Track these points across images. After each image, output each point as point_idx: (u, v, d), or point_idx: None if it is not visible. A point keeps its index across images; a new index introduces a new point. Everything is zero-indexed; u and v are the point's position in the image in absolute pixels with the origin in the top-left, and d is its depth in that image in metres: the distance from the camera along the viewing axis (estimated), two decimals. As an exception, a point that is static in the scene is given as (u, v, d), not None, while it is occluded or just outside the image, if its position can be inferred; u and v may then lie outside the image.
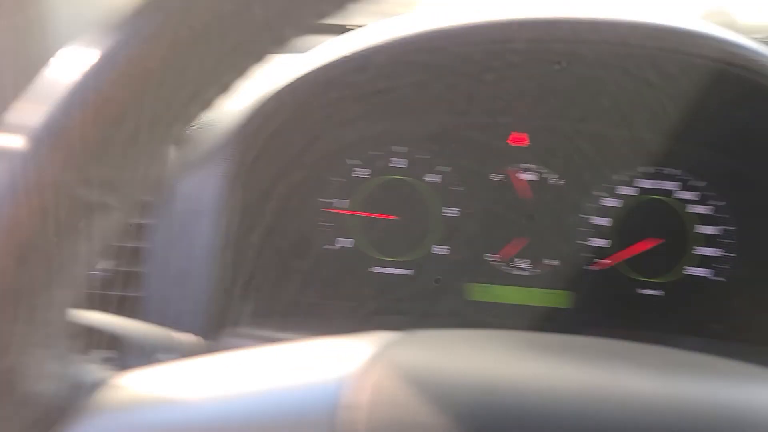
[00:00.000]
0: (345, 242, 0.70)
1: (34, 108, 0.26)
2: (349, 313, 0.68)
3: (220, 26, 0.26)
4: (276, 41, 0.27)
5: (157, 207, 0.58)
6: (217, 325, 0.57)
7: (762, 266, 0.67)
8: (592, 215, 0.69)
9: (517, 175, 0.70)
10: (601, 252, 0.69)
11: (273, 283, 0.67)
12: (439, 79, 0.61)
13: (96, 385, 0.27)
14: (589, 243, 0.69)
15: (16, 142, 0.25)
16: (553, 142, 0.69)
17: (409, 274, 0.70)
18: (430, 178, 0.70)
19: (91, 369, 0.29)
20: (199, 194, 0.58)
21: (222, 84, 0.27)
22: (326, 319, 0.67)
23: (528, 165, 0.70)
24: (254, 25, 0.26)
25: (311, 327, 0.63)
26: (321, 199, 0.70)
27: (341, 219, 0.70)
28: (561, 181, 0.70)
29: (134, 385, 0.28)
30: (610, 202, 0.70)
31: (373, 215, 0.70)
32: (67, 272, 0.26)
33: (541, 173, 0.70)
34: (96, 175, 0.26)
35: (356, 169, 0.70)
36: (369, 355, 0.25)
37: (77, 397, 0.27)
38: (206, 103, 0.27)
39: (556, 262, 0.70)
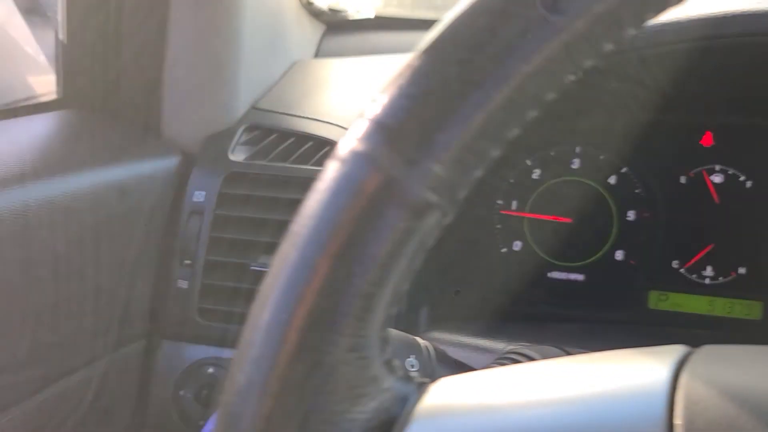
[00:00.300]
0: (520, 245, 0.68)
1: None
2: (525, 318, 0.66)
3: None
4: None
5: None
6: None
7: None
8: (785, 221, 0.65)
9: (707, 177, 0.66)
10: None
11: (449, 287, 0.66)
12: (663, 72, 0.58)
13: (415, 394, 0.26)
14: (781, 251, 0.65)
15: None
16: (742, 141, 0.66)
17: (585, 279, 0.68)
18: (611, 179, 0.67)
19: (406, 377, 0.28)
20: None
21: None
22: (503, 324, 0.65)
23: (716, 166, 0.66)
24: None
25: (492, 332, 0.62)
26: (498, 201, 0.68)
27: (517, 221, 0.68)
28: (750, 183, 0.66)
29: (454, 391, 0.26)
30: (806, 207, 0.65)
31: (551, 218, 0.68)
32: (395, 277, 0.25)
33: (728, 175, 0.66)
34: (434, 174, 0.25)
35: (535, 170, 0.68)
36: (677, 370, 0.23)
37: (403, 406, 0.26)
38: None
39: (744, 270, 0.66)
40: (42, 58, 0.76)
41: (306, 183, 0.64)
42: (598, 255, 0.67)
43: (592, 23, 0.23)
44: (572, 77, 0.26)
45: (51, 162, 0.58)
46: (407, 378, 0.27)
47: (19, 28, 0.75)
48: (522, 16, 0.24)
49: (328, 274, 0.24)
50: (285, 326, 0.24)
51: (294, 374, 0.24)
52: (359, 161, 0.24)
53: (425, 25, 0.97)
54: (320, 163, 0.66)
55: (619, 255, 0.67)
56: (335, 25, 0.94)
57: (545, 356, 0.45)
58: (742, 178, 0.66)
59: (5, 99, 0.69)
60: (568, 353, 0.51)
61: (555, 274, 0.68)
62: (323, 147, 0.67)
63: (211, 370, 0.61)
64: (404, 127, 0.24)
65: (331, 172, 0.24)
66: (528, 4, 0.23)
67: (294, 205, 0.64)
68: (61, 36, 0.65)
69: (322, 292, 0.24)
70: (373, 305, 0.25)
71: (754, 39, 0.54)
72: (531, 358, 0.43)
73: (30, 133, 0.62)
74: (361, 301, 0.24)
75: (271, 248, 0.62)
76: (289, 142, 0.68)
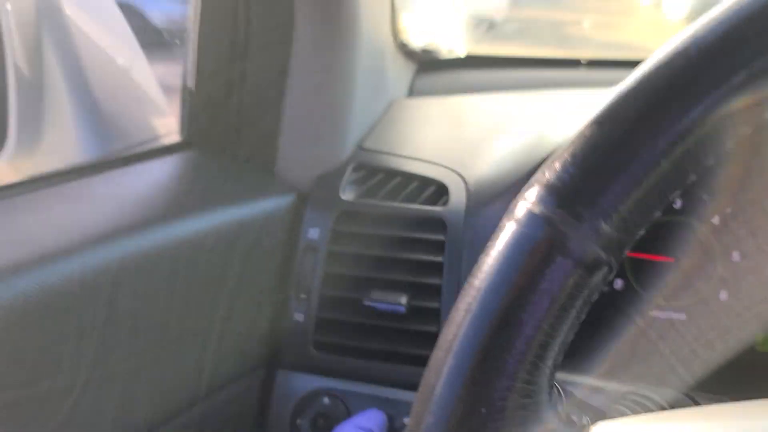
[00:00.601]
0: (621, 284, 0.69)
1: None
2: (627, 358, 0.67)
3: None
4: None
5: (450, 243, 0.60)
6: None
7: None
8: None
9: (811, 220, 0.66)
10: None
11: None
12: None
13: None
14: None
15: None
16: None
17: (688, 319, 0.68)
18: (713, 219, 0.68)
19: (569, 420, 0.30)
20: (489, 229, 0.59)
21: None
22: (604, 362, 0.66)
23: (824, 209, 0.66)
24: None
25: (594, 369, 0.63)
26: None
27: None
28: None
29: None
30: None
31: (650, 257, 0.69)
32: (565, 328, 0.28)
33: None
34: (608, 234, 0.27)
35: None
36: None
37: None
38: None
39: None
40: (161, 100, 0.82)
41: (414, 221, 0.67)
42: (700, 295, 0.68)
43: None
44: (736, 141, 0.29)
45: (178, 203, 0.62)
46: (570, 422, 0.29)
47: (143, 71, 0.81)
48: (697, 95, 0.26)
49: (506, 325, 0.27)
50: (466, 371, 0.27)
51: (473, 417, 0.27)
52: (535, 221, 0.27)
53: (514, 63, 1.00)
54: (427, 201, 0.68)
55: (723, 296, 0.68)
56: (427, 64, 0.97)
57: (670, 402, 0.46)
58: None
59: (134, 141, 0.74)
60: (693, 399, 0.52)
61: (657, 314, 0.69)
62: (428, 186, 0.70)
63: (326, 399, 0.64)
64: (576, 190, 0.27)
65: (508, 231, 0.27)
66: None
67: (404, 242, 0.67)
68: (189, 83, 0.70)
69: (502, 341, 0.27)
70: (545, 354, 0.27)
71: None
72: (659, 404, 0.44)
73: (156, 176, 0.67)
74: (534, 350, 0.27)
75: (382, 284, 0.66)
76: (395, 181, 0.71)
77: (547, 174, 0.27)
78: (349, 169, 0.73)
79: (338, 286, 0.67)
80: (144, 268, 0.54)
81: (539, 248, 0.26)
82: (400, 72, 0.93)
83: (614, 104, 0.27)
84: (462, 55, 0.97)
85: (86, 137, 0.75)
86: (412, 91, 0.94)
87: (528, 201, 0.27)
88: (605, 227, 0.27)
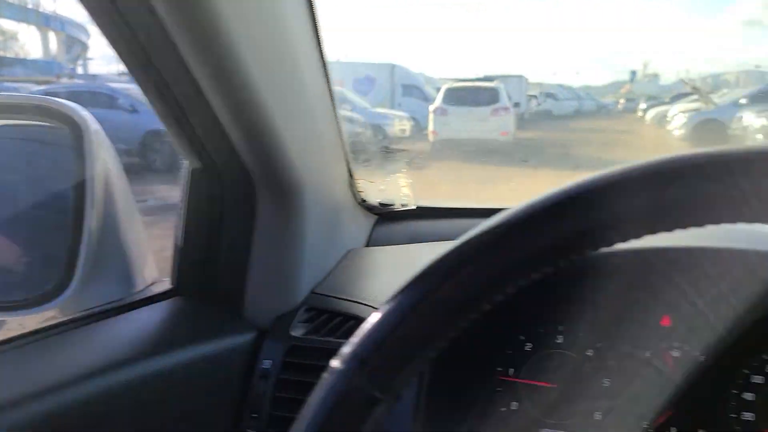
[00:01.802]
0: (516, 405, 0.85)
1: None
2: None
3: None
4: None
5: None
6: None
7: None
8: (739, 391, 0.79)
9: (666, 352, 0.82)
10: (749, 425, 0.78)
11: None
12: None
13: None
14: (738, 417, 0.79)
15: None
16: (696, 323, 0.81)
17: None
18: (587, 352, 0.84)
19: None
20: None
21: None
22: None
23: (674, 344, 0.82)
24: None
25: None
26: (498, 368, 0.86)
27: (512, 385, 0.85)
28: (703, 358, 0.80)
29: None
30: (758, 379, 0.79)
31: (538, 383, 0.84)
32: None
33: (684, 351, 0.81)
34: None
35: (527, 343, 0.86)
36: None
37: None
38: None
39: (704, 432, 0.79)
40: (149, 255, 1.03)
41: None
42: (580, 415, 0.83)
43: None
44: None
45: (161, 342, 0.82)
46: None
47: (139, 231, 1.03)
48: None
49: None
50: None
51: None
52: (338, 374, 0.45)
53: (462, 212, 1.19)
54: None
55: (597, 416, 0.82)
56: (386, 216, 1.18)
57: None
58: (695, 354, 0.81)
59: (134, 290, 0.95)
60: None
61: (545, 431, 0.84)
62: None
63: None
64: (366, 353, 0.44)
65: (325, 378, 0.45)
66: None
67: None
68: (179, 245, 0.92)
69: None
70: None
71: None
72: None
73: (147, 320, 0.87)
74: None
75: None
76: (336, 320, 0.90)
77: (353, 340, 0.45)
78: (302, 310, 0.92)
79: (286, 408, 0.84)
80: (127, 397, 0.73)
81: (338, 391, 0.44)
82: (360, 224, 1.14)
83: (404, 295, 0.45)
84: (413, 207, 1.18)
85: (113, 283, 0.95)
86: (371, 241, 1.14)
87: (341, 357, 0.45)
88: (383, 376, 0.44)
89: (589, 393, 0.83)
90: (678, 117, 10.50)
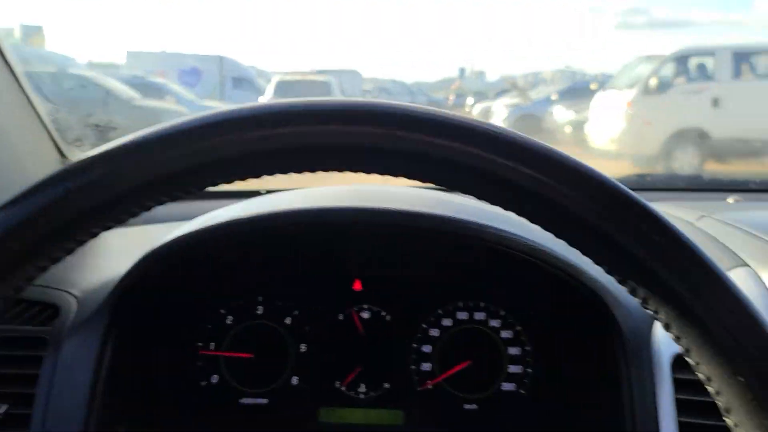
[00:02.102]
0: (216, 378, 0.85)
1: None
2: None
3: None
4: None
5: (46, 358, 0.74)
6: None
7: (552, 380, 0.82)
8: (419, 344, 0.85)
9: (356, 314, 0.86)
10: (427, 375, 0.84)
11: (156, 419, 0.82)
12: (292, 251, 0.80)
13: None
14: (417, 367, 0.85)
15: None
16: (384, 286, 0.86)
17: (269, 403, 0.85)
18: (287, 320, 0.86)
19: None
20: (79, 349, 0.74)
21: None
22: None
23: (365, 305, 0.86)
24: None
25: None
26: (199, 343, 0.86)
27: (214, 359, 0.86)
28: (390, 317, 0.86)
29: None
30: (434, 332, 0.86)
31: (239, 354, 0.86)
32: None
33: (374, 312, 0.86)
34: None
35: (228, 316, 0.87)
36: None
37: None
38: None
39: (389, 385, 0.84)
40: None
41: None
42: (278, 382, 0.85)
43: None
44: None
45: None
46: None
47: None
48: None
49: None
50: None
51: None
52: None
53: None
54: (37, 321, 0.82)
55: (294, 380, 0.85)
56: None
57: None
58: (383, 314, 0.86)
59: None
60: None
61: (246, 400, 0.85)
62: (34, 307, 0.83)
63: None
64: None
65: None
66: None
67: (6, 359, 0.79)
68: None
69: None
70: None
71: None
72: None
73: None
74: None
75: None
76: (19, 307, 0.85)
77: None
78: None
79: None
80: None
81: None
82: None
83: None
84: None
85: None
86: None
87: None
88: None
89: (287, 360, 0.85)
90: (500, 112, 11.23)
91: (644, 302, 0.36)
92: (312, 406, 0.84)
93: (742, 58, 7.81)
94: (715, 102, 7.70)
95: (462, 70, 17.30)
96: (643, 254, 0.35)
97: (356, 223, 0.78)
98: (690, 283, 0.34)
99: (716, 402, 0.35)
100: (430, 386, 0.84)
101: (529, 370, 0.84)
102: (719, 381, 0.35)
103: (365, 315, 0.86)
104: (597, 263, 0.37)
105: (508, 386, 0.84)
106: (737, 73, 7.80)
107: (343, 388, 0.85)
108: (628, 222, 0.35)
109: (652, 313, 0.36)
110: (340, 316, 0.87)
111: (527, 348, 0.84)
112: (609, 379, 0.73)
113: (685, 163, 6.95)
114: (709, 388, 0.35)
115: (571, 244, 0.37)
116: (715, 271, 0.35)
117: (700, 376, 0.35)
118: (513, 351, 0.85)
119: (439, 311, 0.86)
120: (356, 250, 0.86)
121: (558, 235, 0.37)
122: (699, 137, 7.45)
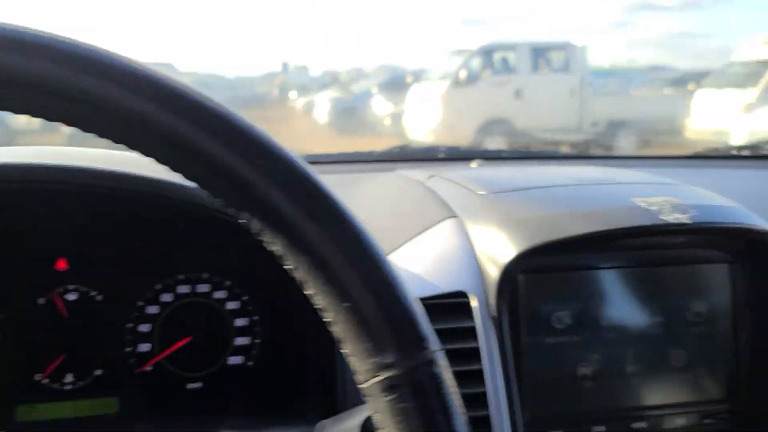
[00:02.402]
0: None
1: None
2: None
3: None
4: None
5: None
6: None
7: (282, 350, 0.79)
8: (135, 323, 0.78)
9: (59, 296, 0.77)
10: (146, 356, 0.77)
11: None
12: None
13: None
14: (133, 349, 0.77)
15: None
16: (92, 263, 0.78)
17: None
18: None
19: None
20: None
21: None
22: None
23: (70, 286, 0.77)
24: None
25: None
26: None
27: None
28: (101, 297, 0.78)
29: None
30: (153, 309, 0.79)
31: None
32: None
33: (82, 292, 0.77)
34: None
35: None
36: None
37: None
38: None
39: (101, 372, 0.76)
40: None
41: None
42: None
43: None
44: None
45: None
46: None
47: None
48: None
49: None
50: None
51: None
52: None
53: None
54: None
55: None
56: None
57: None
58: (93, 294, 0.78)
59: None
60: None
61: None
62: None
63: None
64: None
65: None
66: None
67: None
68: None
69: None
70: None
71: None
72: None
73: None
74: None
75: None
76: None
77: None
78: None
79: None
80: None
81: None
82: None
83: None
84: None
85: None
86: None
87: None
88: None
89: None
90: (323, 105, 11.29)
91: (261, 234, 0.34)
92: (8, 404, 0.74)
93: (539, 53, 8.52)
94: (518, 93, 8.33)
95: (285, 65, 17.11)
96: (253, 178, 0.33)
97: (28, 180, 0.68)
98: (305, 213, 0.33)
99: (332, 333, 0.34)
100: (148, 368, 0.78)
101: (257, 341, 0.80)
102: (332, 311, 0.33)
103: (72, 297, 0.77)
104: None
105: (234, 359, 0.80)
106: (536, 67, 8.50)
107: (45, 381, 0.75)
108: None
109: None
110: (41, 300, 0.77)
111: (255, 318, 0.80)
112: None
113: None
114: (326, 321, 0.34)
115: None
116: (335, 202, 0.34)
117: (317, 307, 0.34)
118: (240, 323, 0.80)
119: (158, 286, 0.79)
120: (59, 223, 0.76)
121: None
122: (505, 126, 8.03)
